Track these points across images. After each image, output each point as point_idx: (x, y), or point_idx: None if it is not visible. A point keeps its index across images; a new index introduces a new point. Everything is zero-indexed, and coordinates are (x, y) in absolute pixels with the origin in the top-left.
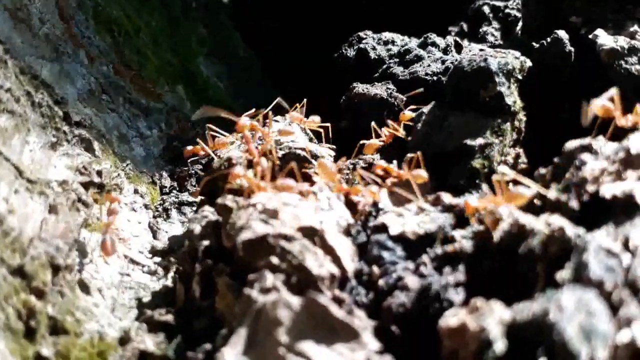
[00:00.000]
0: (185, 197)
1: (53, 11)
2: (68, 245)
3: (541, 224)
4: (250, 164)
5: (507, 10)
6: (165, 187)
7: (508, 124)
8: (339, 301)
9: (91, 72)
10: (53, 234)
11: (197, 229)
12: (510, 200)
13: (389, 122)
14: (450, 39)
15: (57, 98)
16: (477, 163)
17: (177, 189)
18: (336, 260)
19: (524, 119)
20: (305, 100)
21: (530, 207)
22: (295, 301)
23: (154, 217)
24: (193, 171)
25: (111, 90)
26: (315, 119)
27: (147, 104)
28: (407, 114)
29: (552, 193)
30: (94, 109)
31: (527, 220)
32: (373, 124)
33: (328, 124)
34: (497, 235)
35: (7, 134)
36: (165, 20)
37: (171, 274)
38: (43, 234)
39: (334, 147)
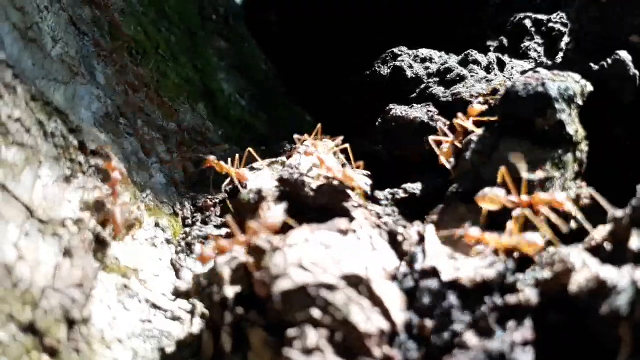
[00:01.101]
0: (209, 229)
1: (66, 29)
2: (85, 295)
3: (625, 281)
4: (282, 197)
5: (550, 25)
6: (188, 218)
7: (570, 154)
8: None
9: (107, 94)
10: (68, 283)
11: (226, 272)
12: (521, 246)
13: (459, 115)
14: (492, 55)
15: (71, 126)
16: None
17: (201, 220)
18: (385, 312)
19: (586, 149)
20: (319, 125)
21: (602, 252)
22: None
23: (177, 253)
24: (217, 200)
25: (128, 113)
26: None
27: (166, 125)
28: (477, 107)
29: (636, 242)
30: (111, 134)
31: (609, 275)
32: (440, 125)
33: (347, 145)
34: (571, 290)
35: (16, 169)
36: (185, 35)
37: (197, 319)
38: (57, 283)
39: (369, 173)
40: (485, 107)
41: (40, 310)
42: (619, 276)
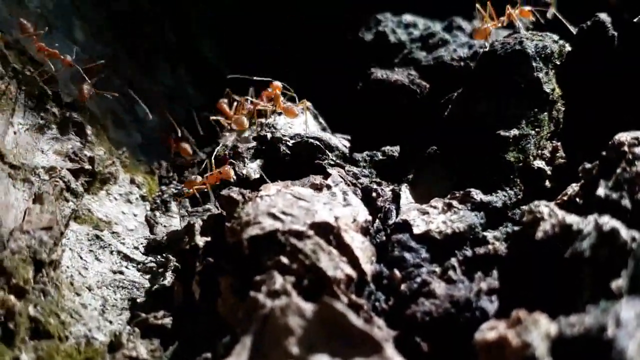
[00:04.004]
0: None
1: None
2: (53, 238)
3: (590, 225)
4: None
5: None
6: (165, 177)
7: (545, 113)
8: (356, 307)
9: (85, 49)
10: (37, 226)
11: (198, 223)
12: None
13: (508, 7)
14: (477, 22)
15: (46, 77)
16: (511, 156)
17: (177, 179)
18: (353, 261)
19: (563, 108)
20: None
21: (572, 205)
22: (308, 307)
23: (152, 209)
24: (196, 160)
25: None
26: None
27: (148, 86)
28: (527, 8)
29: (602, 190)
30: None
31: (574, 220)
32: (479, 6)
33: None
34: (537, 235)
35: None
36: None
37: (169, 272)
38: (25, 226)
39: (349, 137)
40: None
41: (8, 250)
42: (584, 222)
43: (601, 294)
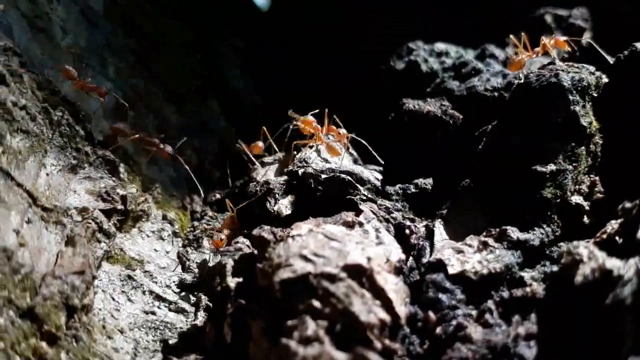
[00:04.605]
0: (217, 223)
1: (77, 19)
2: (85, 282)
3: (632, 271)
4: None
5: (570, 20)
6: (197, 212)
7: (583, 147)
8: (390, 352)
9: (117, 84)
10: (69, 270)
11: (229, 263)
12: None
13: (542, 38)
14: (510, 50)
15: (78, 115)
16: (548, 192)
17: (209, 214)
18: (387, 304)
19: (600, 142)
20: (326, 110)
21: (611, 244)
22: (341, 357)
23: (184, 246)
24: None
25: (140, 106)
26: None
27: (178, 120)
28: (562, 39)
29: None
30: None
31: (615, 264)
32: (513, 37)
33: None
34: (577, 280)
35: (20, 156)
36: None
37: (201, 312)
38: (57, 270)
39: (381, 169)
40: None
41: (40, 296)
42: (625, 267)
43: None
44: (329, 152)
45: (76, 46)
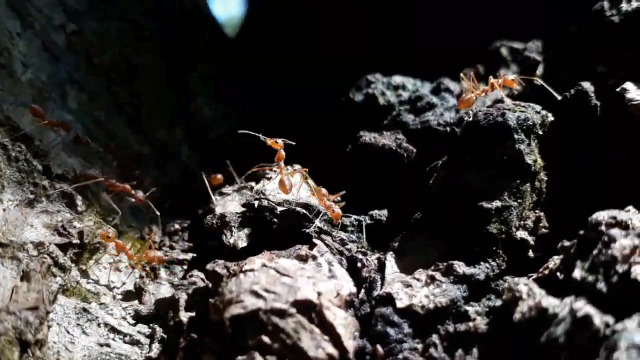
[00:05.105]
0: (175, 254)
1: (39, 53)
2: (39, 318)
3: (565, 310)
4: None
5: (526, 53)
6: (155, 242)
7: (528, 184)
8: None
9: (79, 117)
10: (23, 306)
11: (182, 297)
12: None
13: (490, 78)
14: (465, 84)
15: (36, 150)
16: (494, 228)
17: (168, 245)
18: (335, 339)
19: (545, 178)
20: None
21: (552, 281)
22: None
23: (141, 277)
24: (185, 224)
25: (102, 136)
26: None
27: (140, 149)
28: (511, 77)
29: (578, 272)
30: (80, 158)
31: (550, 303)
32: (463, 76)
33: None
34: (515, 317)
35: None
36: (162, 60)
37: (156, 343)
38: (12, 306)
39: (340, 199)
40: (517, 79)
41: None
42: (560, 305)
43: None
44: (280, 188)
45: (37, 80)
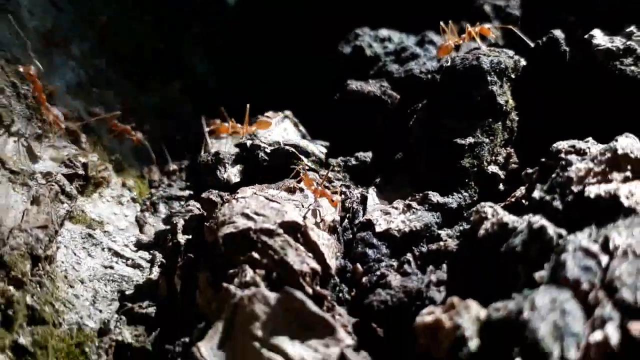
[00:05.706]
0: (173, 191)
1: (44, 3)
2: (48, 236)
3: (524, 224)
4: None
5: (508, 10)
6: (154, 181)
7: (499, 123)
8: (320, 297)
9: (82, 66)
10: (34, 224)
11: (180, 222)
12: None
13: (468, 26)
14: (447, 37)
15: (43, 90)
16: (466, 162)
17: (166, 183)
18: (318, 256)
19: (517, 118)
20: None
21: (518, 206)
22: (273, 296)
23: (141, 210)
24: (183, 165)
25: (102, 84)
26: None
27: (139, 98)
28: (487, 26)
29: (537, 192)
30: (83, 101)
31: (510, 219)
32: (443, 25)
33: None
34: (480, 233)
35: None
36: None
37: (156, 267)
38: (23, 225)
39: (327, 143)
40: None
41: (7, 246)
42: (519, 221)
43: (528, 284)
44: (260, 127)
45: (42, 27)
